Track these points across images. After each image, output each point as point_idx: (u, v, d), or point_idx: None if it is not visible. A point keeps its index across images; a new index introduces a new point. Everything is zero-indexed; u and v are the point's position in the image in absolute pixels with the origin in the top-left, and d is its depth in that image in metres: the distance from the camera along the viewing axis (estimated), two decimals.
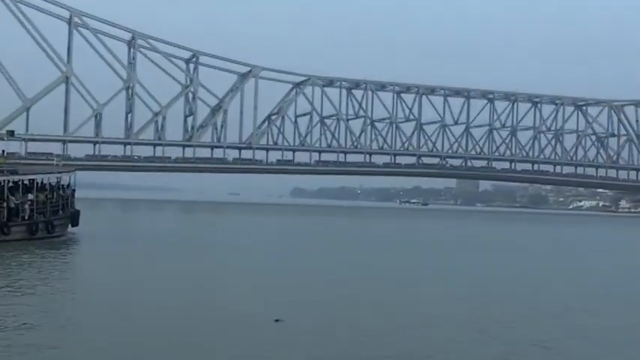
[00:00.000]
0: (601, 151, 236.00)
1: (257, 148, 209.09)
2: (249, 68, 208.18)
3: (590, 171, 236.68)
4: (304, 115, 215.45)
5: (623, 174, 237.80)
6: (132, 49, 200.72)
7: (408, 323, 23.22)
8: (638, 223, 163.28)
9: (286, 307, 25.23)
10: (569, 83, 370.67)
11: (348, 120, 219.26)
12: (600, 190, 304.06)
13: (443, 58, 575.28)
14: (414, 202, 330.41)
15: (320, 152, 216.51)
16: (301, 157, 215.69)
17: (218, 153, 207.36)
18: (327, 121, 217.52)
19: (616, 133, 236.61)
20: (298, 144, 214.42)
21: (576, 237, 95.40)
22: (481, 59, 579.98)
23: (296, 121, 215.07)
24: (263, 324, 22.10)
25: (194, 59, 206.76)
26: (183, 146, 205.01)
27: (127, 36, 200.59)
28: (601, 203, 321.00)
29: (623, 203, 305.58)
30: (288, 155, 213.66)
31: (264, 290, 29.54)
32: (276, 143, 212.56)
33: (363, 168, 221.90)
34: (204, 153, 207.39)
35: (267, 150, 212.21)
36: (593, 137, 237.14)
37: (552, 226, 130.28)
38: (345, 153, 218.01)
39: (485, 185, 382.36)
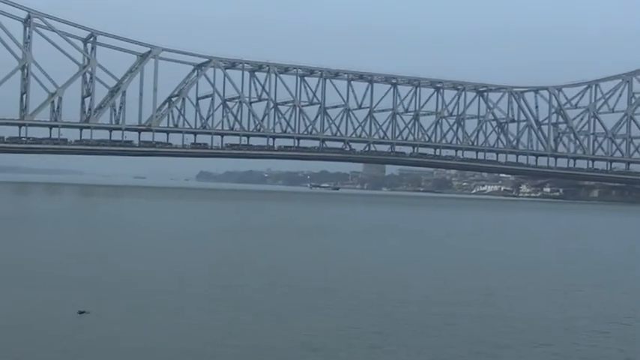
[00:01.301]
0: (501, 136, 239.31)
1: (157, 131, 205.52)
2: (148, 49, 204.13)
3: (491, 156, 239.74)
4: (206, 97, 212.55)
5: (522, 159, 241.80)
6: (27, 28, 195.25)
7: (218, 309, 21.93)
8: (527, 208, 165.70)
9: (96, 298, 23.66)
10: (470, 69, 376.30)
11: (251, 103, 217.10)
12: (503, 175, 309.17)
13: (347, 43, 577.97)
14: (325, 186, 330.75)
15: (222, 135, 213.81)
16: (202, 140, 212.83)
17: (116, 135, 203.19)
18: (230, 104, 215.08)
19: (516, 118, 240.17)
20: (200, 126, 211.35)
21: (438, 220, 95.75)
22: (384, 45, 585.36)
23: (197, 104, 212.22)
24: (66, 316, 20.56)
25: (92, 39, 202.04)
26: (81, 128, 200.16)
27: (23, 14, 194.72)
28: (503, 188, 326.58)
29: (523, 188, 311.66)
30: (190, 138, 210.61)
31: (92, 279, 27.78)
32: (176, 125, 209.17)
33: (278, 152, 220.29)
34: (102, 135, 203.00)
35: (168, 132, 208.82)
36: (494, 123, 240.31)
37: (442, 210, 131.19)
38: (249, 136, 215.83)
39: (391, 170, 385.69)
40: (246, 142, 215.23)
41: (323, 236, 54.44)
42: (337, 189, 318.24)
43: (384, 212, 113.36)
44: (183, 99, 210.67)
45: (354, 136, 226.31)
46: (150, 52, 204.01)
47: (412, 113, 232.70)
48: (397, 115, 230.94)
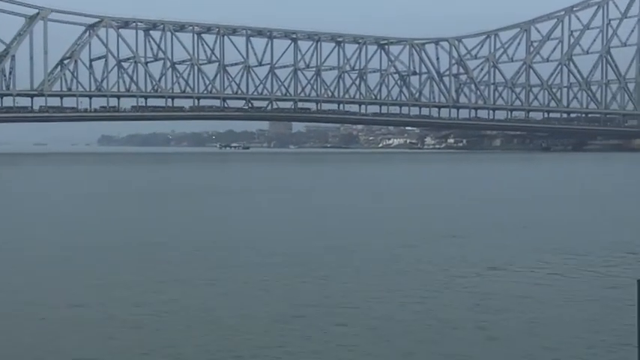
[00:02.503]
0: (403, 89, 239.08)
1: (49, 95, 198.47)
2: (36, 10, 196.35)
3: (394, 109, 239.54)
4: (99, 58, 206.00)
5: (425, 111, 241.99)
6: None
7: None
8: (427, 159, 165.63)
9: None
10: (371, 22, 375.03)
11: (146, 63, 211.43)
12: (409, 128, 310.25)
13: None
14: (234, 146, 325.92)
15: (118, 97, 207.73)
16: (100, 102, 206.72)
17: (8, 101, 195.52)
18: (125, 65, 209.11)
19: (417, 71, 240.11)
20: (94, 89, 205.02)
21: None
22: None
23: (91, 65, 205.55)
24: None
25: None
26: None
27: None
28: (408, 141, 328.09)
29: (428, 140, 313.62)
30: (85, 101, 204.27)
31: None
32: (70, 89, 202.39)
33: (185, 112, 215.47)
34: None
35: (62, 97, 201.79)
36: (396, 76, 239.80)
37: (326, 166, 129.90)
38: (146, 97, 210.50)
39: (298, 127, 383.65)
40: (143, 104, 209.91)
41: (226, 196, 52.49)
42: (247, 148, 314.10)
43: (285, 170, 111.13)
44: (76, 61, 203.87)
45: (255, 93, 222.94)
46: (38, 13, 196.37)
47: (314, 69, 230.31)
48: (299, 71, 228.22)
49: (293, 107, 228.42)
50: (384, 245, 27.16)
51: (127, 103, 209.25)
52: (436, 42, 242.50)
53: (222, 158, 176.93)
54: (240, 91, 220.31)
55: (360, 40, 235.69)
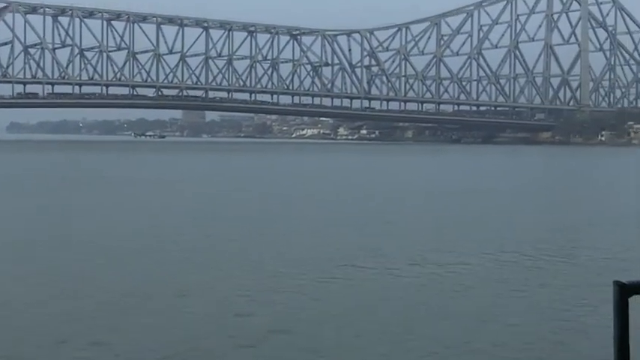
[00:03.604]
0: (316, 79, 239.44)
1: None
2: None
3: (307, 99, 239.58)
4: (5, 44, 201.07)
5: (337, 102, 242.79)
6: None
7: None
8: (335, 150, 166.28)
9: None
10: (283, 13, 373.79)
11: (54, 49, 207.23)
12: (323, 118, 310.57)
13: None
14: (150, 135, 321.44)
15: (24, 84, 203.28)
16: (5, 89, 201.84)
17: None
18: (32, 51, 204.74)
19: (330, 62, 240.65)
20: (0, 75, 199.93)
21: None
22: None
23: None
24: None
25: None
26: None
27: None
28: (322, 131, 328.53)
29: (341, 130, 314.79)
30: None
31: None
32: None
33: (95, 100, 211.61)
34: None
35: None
36: (308, 66, 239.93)
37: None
38: (53, 84, 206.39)
39: (211, 116, 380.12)
40: (50, 91, 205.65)
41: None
42: (163, 137, 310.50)
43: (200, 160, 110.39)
44: None
45: (166, 82, 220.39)
46: None
47: (225, 57, 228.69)
48: (210, 60, 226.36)
49: (204, 96, 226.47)
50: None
51: (33, 90, 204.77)
52: (348, 33, 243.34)
53: (136, 147, 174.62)
54: (150, 79, 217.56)
55: (273, 30, 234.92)
